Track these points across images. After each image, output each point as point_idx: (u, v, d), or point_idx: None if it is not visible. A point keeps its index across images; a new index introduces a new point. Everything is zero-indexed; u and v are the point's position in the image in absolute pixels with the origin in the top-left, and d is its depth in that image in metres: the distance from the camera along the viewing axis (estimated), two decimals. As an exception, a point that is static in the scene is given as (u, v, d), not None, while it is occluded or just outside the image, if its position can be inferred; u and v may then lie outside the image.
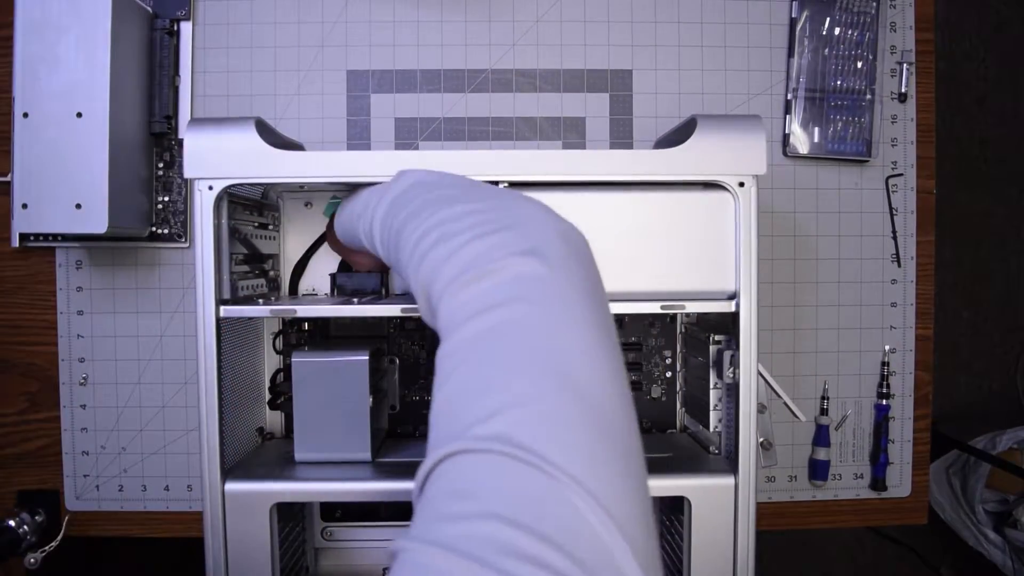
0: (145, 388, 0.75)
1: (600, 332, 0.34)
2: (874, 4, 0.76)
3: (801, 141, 0.76)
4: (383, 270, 0.68)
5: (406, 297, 0.66)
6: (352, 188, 0.69)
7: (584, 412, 0.30)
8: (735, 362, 0.56)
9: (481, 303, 0.34)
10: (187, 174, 0.54)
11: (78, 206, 0.63)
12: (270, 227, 0.70)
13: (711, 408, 0.62)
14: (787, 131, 0.76)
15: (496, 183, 0.55)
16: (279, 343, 0.69)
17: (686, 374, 0.71)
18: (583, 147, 0.76)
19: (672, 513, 0.63)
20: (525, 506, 0.26)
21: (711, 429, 0.62)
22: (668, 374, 0.73)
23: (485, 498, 0.27)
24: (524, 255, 0.35)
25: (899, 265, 0.77)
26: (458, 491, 0.28)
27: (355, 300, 0.62)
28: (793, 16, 0.76)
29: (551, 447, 0.28)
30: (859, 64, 0.76)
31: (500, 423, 0.29)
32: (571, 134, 0.77)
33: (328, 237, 0.70)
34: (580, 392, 0.31)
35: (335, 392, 0.60)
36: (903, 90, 0.77)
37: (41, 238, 0.73)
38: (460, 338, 0.34)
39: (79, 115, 0.64)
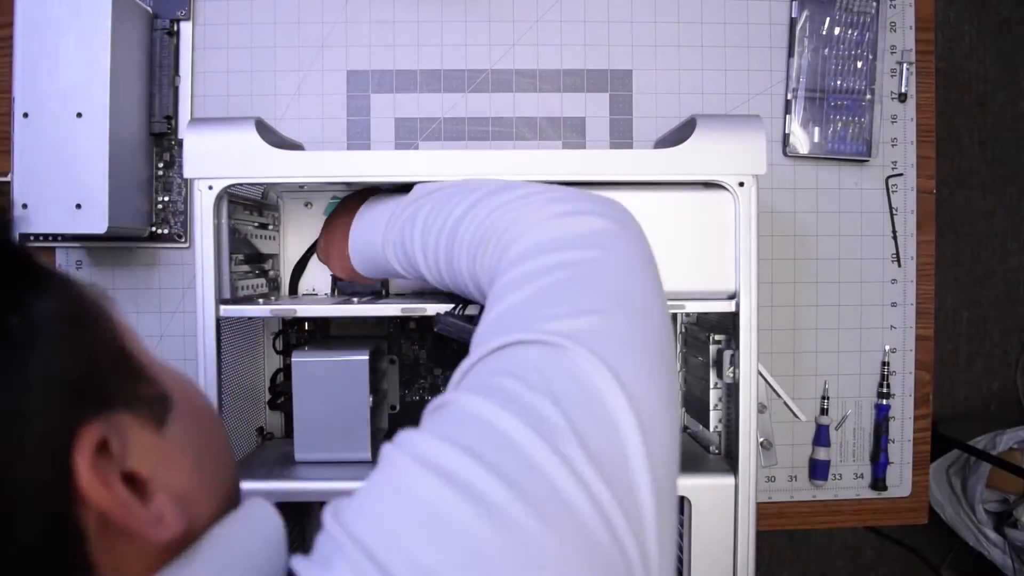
0: (145, 388, 0.74)
1: (656, 284, 0.38)
2: (874, 4, 0.76)
3: (801, 141, 0.76)
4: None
5: (406, 297, 0.66)
6: (352, 188, 0.69)
7: (635, 325, 0.34)
8: (735, 362, 0.56)
9: (558, 243, 0.37)
10: (187, 174, 0.55)
11: (78, 206, 0.63)
12: (270, 227, 0.70)
13: (711, 408, 0.62)
14: (787, 131, 0.76)
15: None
16: (279, 343, 0.69)
17: (686, 374, 0.71)
18: (583, 147, 0.76)
19: (672, 513, 0.63)
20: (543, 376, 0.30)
21: (711, 429, 0.62)
22: (668, 374, 0.73)
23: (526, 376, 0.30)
24: (600, 216, 0.39)
25: (899, 265, 0.77)
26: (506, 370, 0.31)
27: (355, 300, 0.62)
28: (793, 16, 0.76)
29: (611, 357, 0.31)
30: (859, 64, 0.76)
31: (564, 326, 0.32)
32: (571, 134, 0.77)
33: (321, 250, 0.68)
34: (637, 311, 0.34)
35: (335, 392, 0.59)
36: (903, 90, 0.77)
37: (41, 238, 0.73)
38: (537, 264, 0.36)
39: (79, 115, 0.64)
